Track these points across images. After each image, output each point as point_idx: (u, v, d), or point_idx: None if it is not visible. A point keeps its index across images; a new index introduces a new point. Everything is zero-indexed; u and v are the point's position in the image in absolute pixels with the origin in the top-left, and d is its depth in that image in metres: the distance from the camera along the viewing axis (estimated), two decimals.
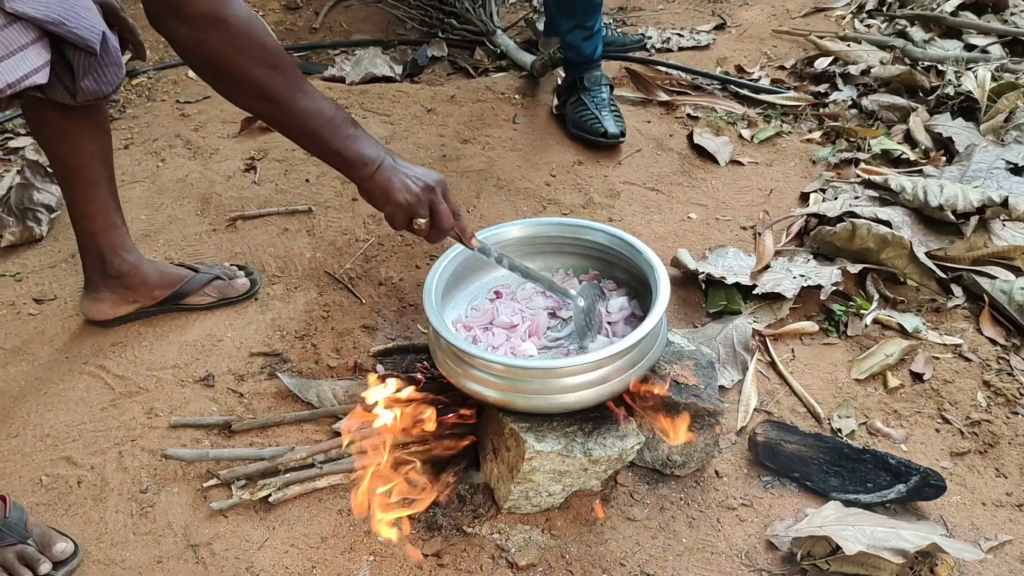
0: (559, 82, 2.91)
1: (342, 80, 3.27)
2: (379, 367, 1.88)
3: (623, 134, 2.67)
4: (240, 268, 2.16)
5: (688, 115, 2.88)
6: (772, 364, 1.92)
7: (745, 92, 3.02)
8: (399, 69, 3.38)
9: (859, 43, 3.28)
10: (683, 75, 3.15)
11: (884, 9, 3.60)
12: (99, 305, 1.99)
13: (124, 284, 1.97)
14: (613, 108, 2.74)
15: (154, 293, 2.01)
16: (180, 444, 1.74)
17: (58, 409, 1.84)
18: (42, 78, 1.48)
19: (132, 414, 1.82)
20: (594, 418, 1.54)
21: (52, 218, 2.43)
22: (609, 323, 1.74)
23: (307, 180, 2.54)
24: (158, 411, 1.82)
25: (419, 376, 1.71)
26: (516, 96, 3.03)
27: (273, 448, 1.69)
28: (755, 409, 1.80)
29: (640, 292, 1.79)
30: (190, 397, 1.86)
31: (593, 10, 2.63)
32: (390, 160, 1.48)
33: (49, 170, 2.55)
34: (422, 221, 1.49)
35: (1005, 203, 2.09)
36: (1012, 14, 3.36)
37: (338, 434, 1.72)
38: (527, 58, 3.23)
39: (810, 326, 1.99)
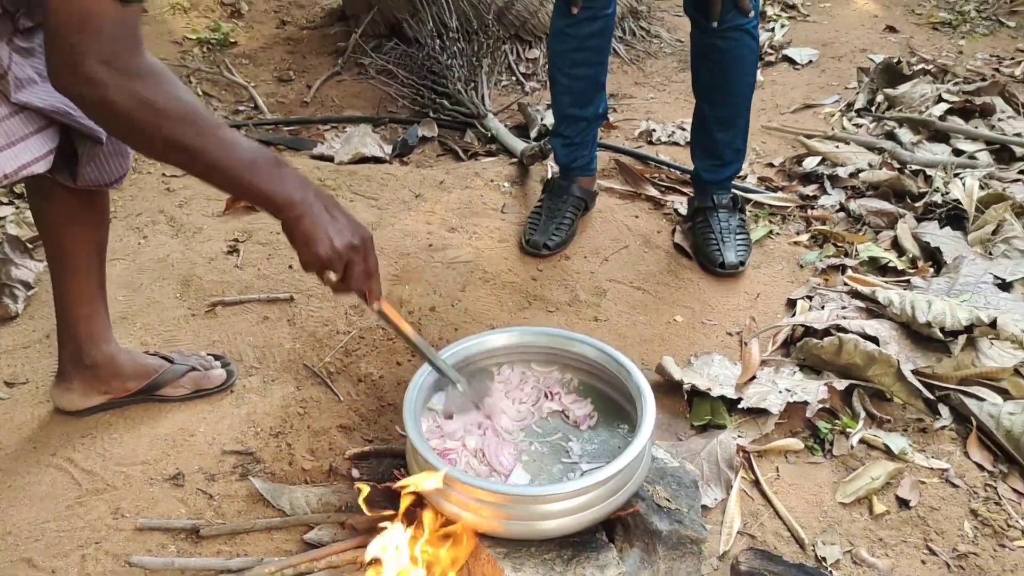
0: (548, 175, 2.91)
1: (331, 159, 3.27)
2: (355, 471, 1.83)
3: (742, 264, 2.58)
4: (217, 358, 2.11)
5: (676, 211, 2.88)
6: (756, 483, 1.88)
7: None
8: (388, 148, 3.38)
9: (848, 143, 3.31)
10: (673, 171, 3.16)
11: (873, 109, 3.64)
12: (69, 395, 1.94)
13: (96, 375, 1.93)
14: (739, 233, 2.65)
15: (127, 385, 1.96)
16: (146, 549, 1.68)
17: (22, 505, 1.78)
18: (42, 167, 1.48)
19: (98, 513, 1.76)
20: (574, 543, 1.50)
21: (29, 295, 2.39)
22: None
23: (290, 266, 2.51)
24: (125, 511, 1.76)
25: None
26: (505, 184, 3.03)
27: (241, 559, 1.63)
28: (738, 532, 1.76)
29: (623, 405, 1.76)
30: (158, 497, 1.80)
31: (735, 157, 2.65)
32: (319, 205, 1.43)
33: (29, 245, 2.53)
34: (333, 276, 1.46)
35: (994, 324, 2.08)
36: (999, 119, 3.40)
37: (310, 545, 1.67)
38: (518, 144, 3.24)
39: (795, 443, 1.96)
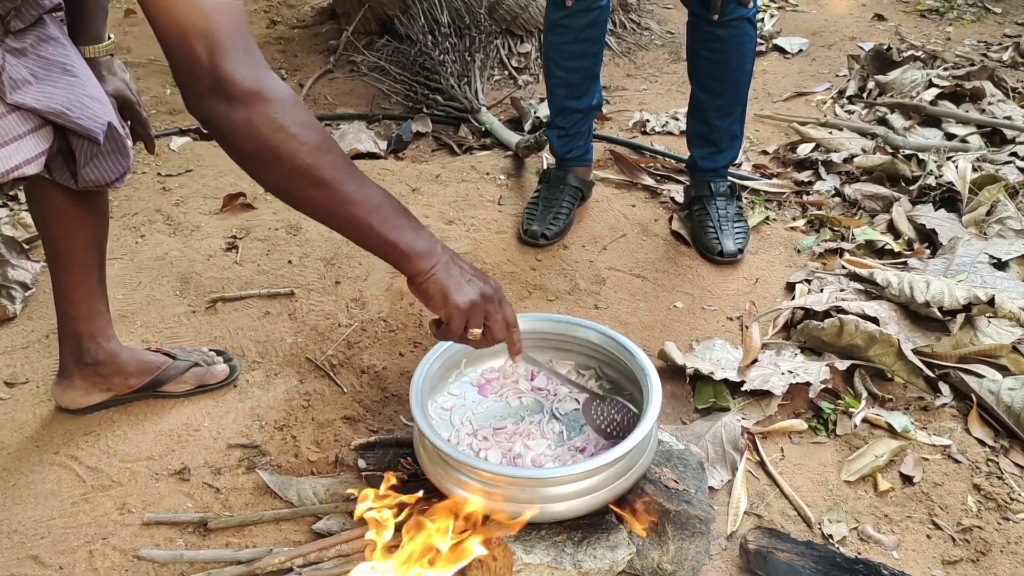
0: (544, 166, 2.91)
1: None
2: (360, 461, 1.84)
3: (740, 252, 2.59)
4: (219, 353, 2.11)
5: (672, 199, 2.89)
6: (761, 464, 1.89)
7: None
8: (383, 145, 3.38)
9: (840, 130, 3.32)
10: (668, 159, 3.17)
11: (865, 96, 3.66)
12: (71, 393, 1.94)
13: (98, 372, 1.92)
14: (737, 221, 2.65)
15: (129, 382, 1.96)
16: (153, 543, 1.68)
17: (27, 503, 1.77)
18: (33, 169, 1.46)
19: (104, 509, 1.76)
20: (584, 526, 1.51)
21: (27, 296, 2.38)
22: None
23: (290, 261, 2.51)
24: (131, 506, 1.76)
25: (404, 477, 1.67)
26: (501, 176, 3.03)
27: (250, 550, 1.63)
28: (745, 512, 1.76)
29: (628, 388, 1.77)
30: (164, 492, 1.80)
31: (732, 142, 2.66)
32: (447, 257, 1.40)
33: (25, 246, 2.51)
34: (477, 332, 1.43)
35: (991, 302, 2.09)
36: (989, 103, 3.42)
37: (318, 535, 1.67)
38: (512, 137, 3.25)
39: (799, 424, 1.97)
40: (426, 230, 1.40)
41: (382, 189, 1.36)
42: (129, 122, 1.77)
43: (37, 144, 1.46)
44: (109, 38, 1.74)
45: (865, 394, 2.04)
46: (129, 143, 1.64)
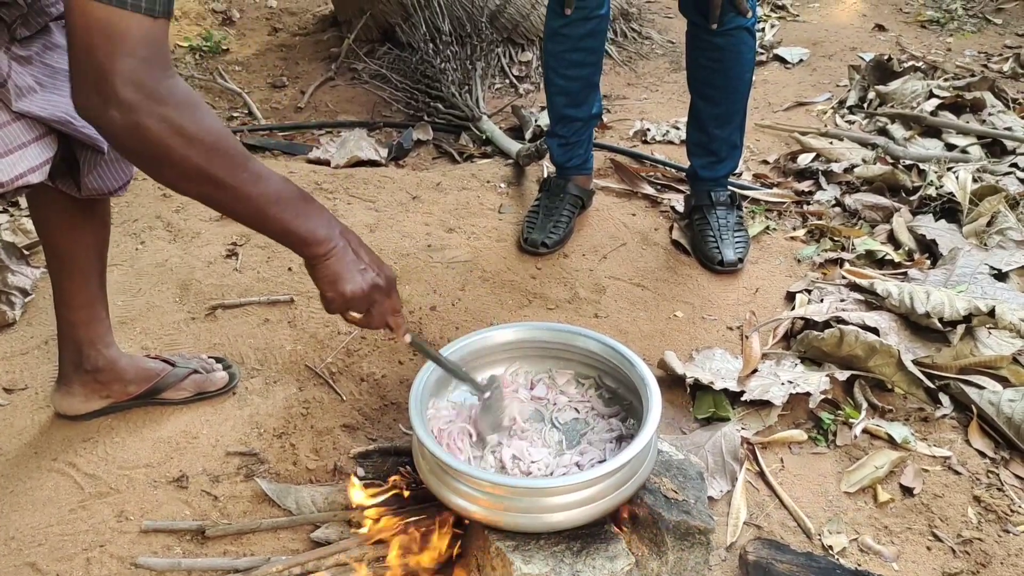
0: (544, 175, 2.91)
1: (327, 163, 3.27)
2: (359, 470, 1.83)
3: (741, 261, 2.58)
4: (218, 360, 2.11)
5: (672, 209, 2.89)
6: (761, 474, 1.88)
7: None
8: (384, 152, 3.38)
9: (841, 140, 3.32)
10: (669, 169, 3.17)
11: (865, 106, 3.66)
12: (70, 400, 1.93)
13: (97, 379, 1.92)
14: (737, 231, 2.65)
15: (128, 389, 1.96)
16: (151, 551, 1.67)
17: (24, 510, 1.77)
18: (37, 177, 1.46)
19: (102, 517, 1.75)
20: (582, 536, 1.50)
21: (26, 302, 2.38)
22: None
23: (290, 268, 2.51)
24: (129, 514, 1.76)
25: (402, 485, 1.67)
26: (501, 185, 3.03)
27: (248, 559, 1.63)
28: (745, 523, 1.76)
29: (628, 397, 1.77)
30: (162, 499, 1.79)
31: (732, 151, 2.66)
32: (343, 244, 1.42)
33: (25, 252, 2.51)
34: (355, 315, 1.47)
35: (992, 313, 2.09)
36: (990, 114, 3.42)
37: (316, 544, 1.67)
38: (513, 145, 3.25)
39: (799, 435, 1.97)
40: (328, 216, 1.42)
41: (282, 178, 1.37)
42: None
43: (42, 152, 1.46)
44: None
45: (865, 405, 2.03)
46: None
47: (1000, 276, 2.37)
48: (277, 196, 1.34)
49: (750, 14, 2.36)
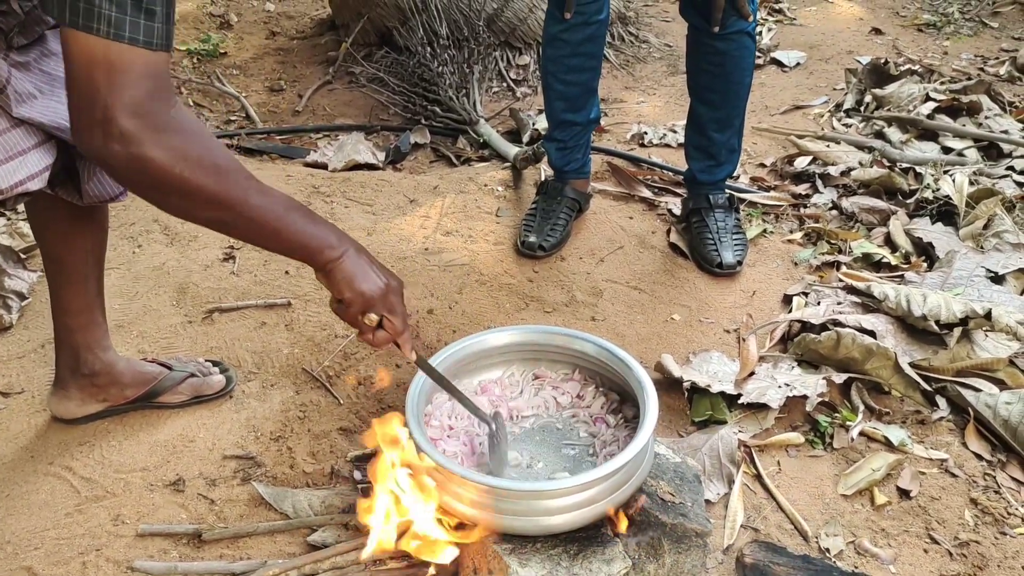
0: (542, 178, 2.91)
1: (324, 166, 3.27)
2: (356, 473, 1.83)
3: (739, 263, 2.58)
4: (215, 364, 2.11)
5: (670, 212, 2.89)
6: (758, 477, 1.88)
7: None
8: (382, 156, 3.38)
9: (838, 143, 3.33)
10: (666, 172, 3.17)
11: (862, 110, 3.67)
12: (66, 403, 1.93)
13: (94, 383, 1.92)
14: (736, 233, 2.66)
15: (125, 392, 1.95)
16: (147, 555, 1.67)
17: (20, 514, 1.76)
18: (37, 184, 1.46)
19: (98, 520, 1.75)
20: (579, 539, 1.50)
21: (23, 306, 2.38)
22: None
23: (287, 272, 2.51)
24: (125, 518, 1.75)
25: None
26: (499, 188, 3.03)
27: (244, 562, 1.63)
28: (742, 526, 1.76)
29: (623, 400, 1.78)
30: (159, 503, 1.79)
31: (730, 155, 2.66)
32: (354, 247, 1.43)
33: (22, 256, 2.51)
34: (374, 318, 1.45)
35: (988, 315, 2.09)
36: (986, 117, 3.43)
37: (313, 547, 1.66)
38: (510, 149, 3.25)
39: (796, 437, 1.97)
40: (332, 225, 1.43)
41: (286, 196, 1.38)
42: None
43: (41, 159, 1.46)
44: None
45: (862, 407, 2.03)
46: None
47: (996, 279, 2.37)
48: (286, 209, 1.35)
49: (751, 17, 2.36)
